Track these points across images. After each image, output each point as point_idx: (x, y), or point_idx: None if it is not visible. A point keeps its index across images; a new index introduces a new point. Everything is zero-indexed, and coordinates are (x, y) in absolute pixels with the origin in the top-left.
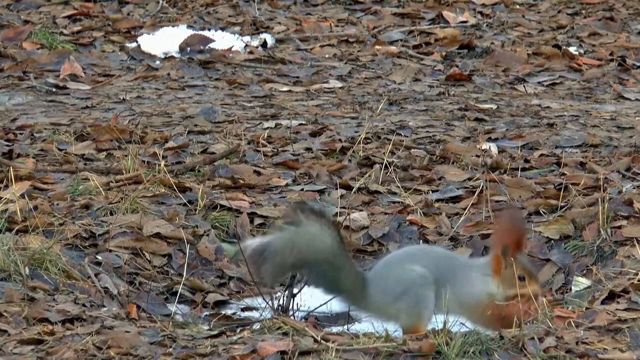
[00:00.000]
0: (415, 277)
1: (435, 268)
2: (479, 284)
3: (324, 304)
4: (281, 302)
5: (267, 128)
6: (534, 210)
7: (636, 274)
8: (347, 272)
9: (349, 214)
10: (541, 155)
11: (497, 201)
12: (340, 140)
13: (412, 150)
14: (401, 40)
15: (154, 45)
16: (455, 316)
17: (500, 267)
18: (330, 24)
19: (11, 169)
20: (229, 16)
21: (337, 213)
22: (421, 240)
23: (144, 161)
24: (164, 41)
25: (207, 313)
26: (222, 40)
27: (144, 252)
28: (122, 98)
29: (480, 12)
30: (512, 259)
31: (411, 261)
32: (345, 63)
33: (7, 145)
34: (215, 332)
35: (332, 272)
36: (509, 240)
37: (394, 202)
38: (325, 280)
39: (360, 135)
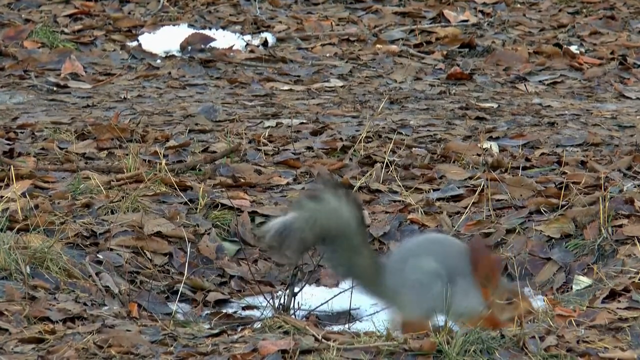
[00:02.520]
0: (431, 272)
1: (449, 264)
2: (476, 301)
3: (325, 302)
4: (282, 300)
5: (268, 127)
6: (535, 209)
7: (637, 273)
8: (364, 258)
9: None
10: (542, 154)
11: (498, 200)
12: (341, 139)
13: (413, 149)
14: (402, 39)
15: (155, 44)
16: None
17: (489, 296)
18: (331, 23)
19: (12, 168)
20: (230, 15)
21: None
22: None
23: (144, 160)
24: (164, 40)
25: (208, 312)
26: (223, 39)
27: (144, 251)
28: (123, 97)
29: (481, 11)
30: (495, 285)
31: (428, 253)
32: (346, 62)
33: (8, 144)
34: (216, 331)
35: (349, 254)
36: (485, 270)
37: (394, 201)
38: (342, 263)
39: (361, 134)
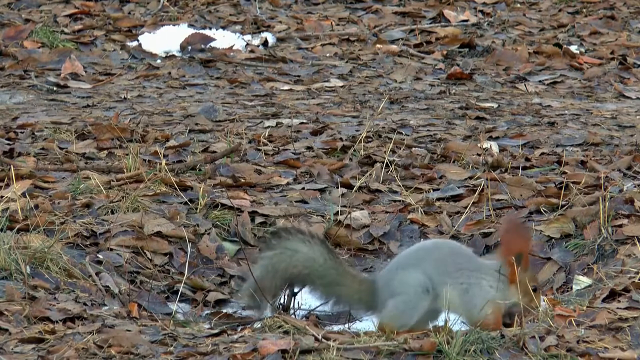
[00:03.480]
0: (416, 286)
1: (440, 269)
2: (491, 293)
3: (325, 302)
4: (282, 300)
5: (268, 127)
6: (535, 209)
7: (637, 273)
8: (348, 287)
9: (349, 213)
10: (542, 153)
11: (498, 200)
12: (341, 139)
13: (413, 149)
14: (402, 39)
15: (155, 44)
16: (456, 314)
17: (516, 275)
18: (331, 23)
19: (12, 168)
20: (230, 15)
21: (337, 212)
22: (422, 239)
23: (145, 160)
24: (165, 40)
25: (208, 312)
26: (223, 39)
27: (145, 250)
28: (123, 97)
29: (481, 11)
30: (526, 265)
31: (417, 265)
32: (346, 62)
33: (8, 144)
34: (216, 331)
35: (332, 288)
36: (520, 248)
37: (394, 201)
38: (329, 297)
39: (361, 134)
